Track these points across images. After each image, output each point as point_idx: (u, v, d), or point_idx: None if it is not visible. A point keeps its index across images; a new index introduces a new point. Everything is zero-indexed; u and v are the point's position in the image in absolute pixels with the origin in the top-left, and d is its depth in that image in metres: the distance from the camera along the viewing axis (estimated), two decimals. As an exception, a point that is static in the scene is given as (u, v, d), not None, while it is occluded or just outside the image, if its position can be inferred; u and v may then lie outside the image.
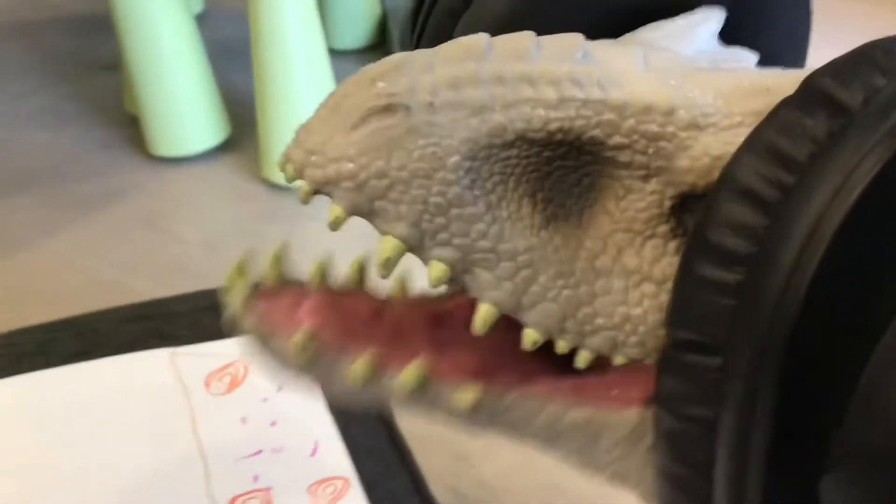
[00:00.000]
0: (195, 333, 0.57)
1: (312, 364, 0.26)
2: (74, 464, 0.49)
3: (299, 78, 1.19)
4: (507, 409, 0.26)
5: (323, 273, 0.28)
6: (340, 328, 0.26)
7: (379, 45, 1.56)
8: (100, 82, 1.50)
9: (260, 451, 0.49)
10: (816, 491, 0.22)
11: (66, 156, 1.33)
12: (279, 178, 1.24)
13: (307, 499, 0.47)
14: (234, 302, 0.26)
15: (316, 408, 0.52)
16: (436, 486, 0.55)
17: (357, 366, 0.25)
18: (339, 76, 1.29)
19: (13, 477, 0.49)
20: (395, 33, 1.50)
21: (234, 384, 0.53)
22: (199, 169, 1.29)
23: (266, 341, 0.26)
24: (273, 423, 0.51)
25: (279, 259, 0.28)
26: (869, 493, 0.20)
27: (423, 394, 0.26)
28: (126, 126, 1.38)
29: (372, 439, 0.52)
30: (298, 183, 0.26)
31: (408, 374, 0.26)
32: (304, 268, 0.66)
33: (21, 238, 1.17)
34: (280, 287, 0.27)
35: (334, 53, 1.31)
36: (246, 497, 0.47)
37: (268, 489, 0.47)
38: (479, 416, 0.26)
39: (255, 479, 0.48)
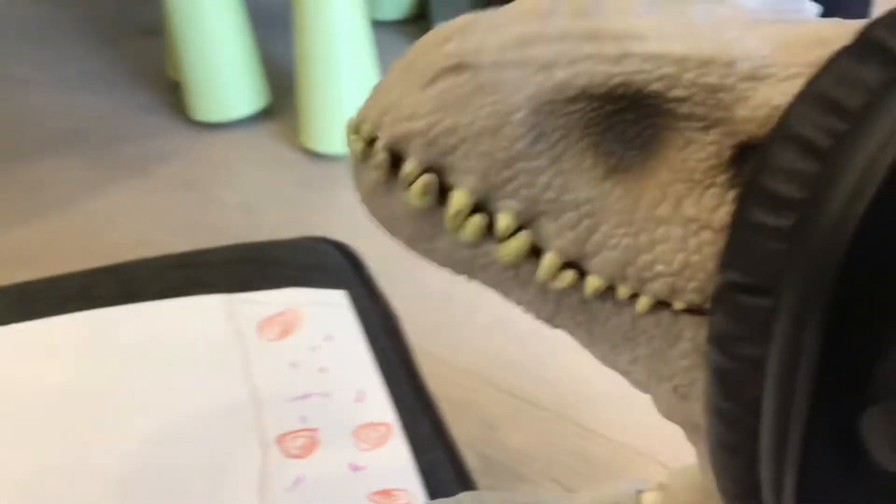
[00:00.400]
0: (232, 283, 0.59)
1: (427, 213, 0.27)
2: (128, 401, 0.51)
3: (340, 48, 1.20)
4: (596, 297, 0.27)
5: None
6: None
7: (419, 16, 1.57)
8: (143, 48, 1.53)
9: (308, 395, 0.51)
10: (858, 425, 0.22)
11: (110, 119, 1.36)
12: (317, 145, 1.25)
13: (352, 441, 0.49)
14: (357, 141, 0.27)
15: (362, 358, 0.54)
16: (464, 451, 0.56)
17: (471, 222, 0.26)
18: (380, 47, 1.30)
19: (68, 410, 0.51)
20: (435, 5, 1.51)
21: (285, 332, 0.55)
22: (239, 135, 1.31)
23: (389, 180, 0.27)
24: (322, 370, 0.53)
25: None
26: None
27: (520, 268, 0.27)
28: (168, 91, 1.40)
29: (400, 390, 0.54)
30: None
31: (514, 242, 0.26)
32: (338, 236, 0.67)
33: (66, 196, 1.20)
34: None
35: (375, 24, 1.32)
36: (293, 435, 0.49)
37: (315, 429, 0.49)
38: (568, 302, 0.27)
39: (303, 419, 0.49)
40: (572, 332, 0.29)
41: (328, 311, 0.57)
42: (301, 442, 0.48)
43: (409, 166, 0.26)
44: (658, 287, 0.26)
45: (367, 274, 0.65)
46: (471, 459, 0.61)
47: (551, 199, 0.26)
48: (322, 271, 0.62)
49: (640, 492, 0.42)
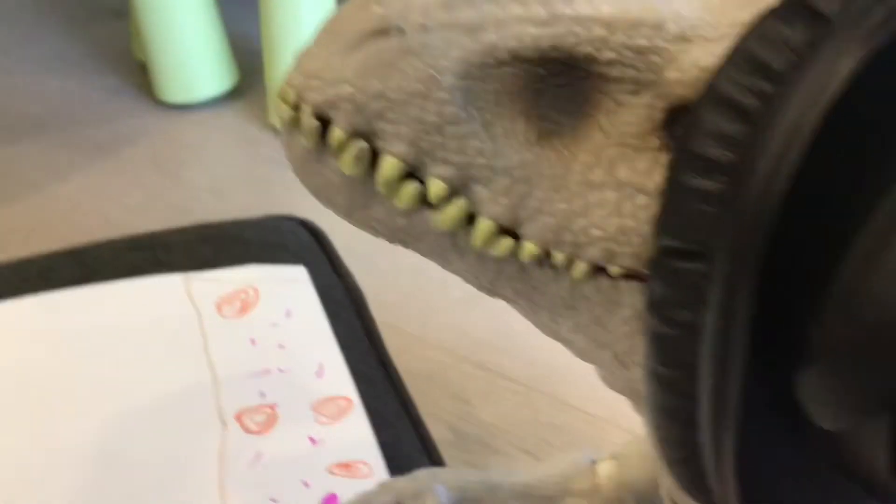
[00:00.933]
0: (193, 262, 0.59)
1: (360, 181, 0.26)
2: (87, 381, 0.51)
3: (306, 24, 1.19)
4: (535, 265, 0.27)
5: None
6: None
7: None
8: (108, 29, 1.51)
9: (268, 371, 0.51)
10: (793, 386, 0.22)
11: (76, 102, 1.34)
12: (286, 125, 1.25)
13: (311, 415, 0.49)
14: (288, 109, 0.27)
15: (322, 333, 0.54)
16: (435, 425, 0.56)
17: (406, 188, 0.26)
18: (347, 24, 1.30)
19: (28, 392, 0.51)
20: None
21: (244, 308, 0.55)
22: (207, 115, 1.30)
23: (319, 148, 0.26)
24: (281, 346, 0.53)
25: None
26: (839, 386, 0.21)
27: (457, 235, 0.27)
28: (134, 73, 1.39)
29: (363, 364, 0.54)
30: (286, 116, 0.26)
31: (450, 209, 0.26)
32: (309, 214, 0.67)
33: (33, 181, 1.19)
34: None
35: (341, 0, 1.31)
36: (253, 411, 0.49)
37: (273, 405, 0.49)
38: (507, 270, 0.27)
39: (262, 395, 0.50)
40: (513, 302, 0.29)
41: (287, 287, 0.57)
42: (260, 418, 0.48)
43: (336, 133, 0.25)
44: (594, 252, 0.26)
45: (332, 250, 0.65)
46: (443, 433, 0.61)
47: (483, 164, 0.25)
48: (284, 248, 0.62)
49: (594, 462, 0.43)
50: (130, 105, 1.33)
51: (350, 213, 0.27)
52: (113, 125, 1.29)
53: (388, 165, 0.26)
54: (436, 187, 0.26)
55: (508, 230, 0.26)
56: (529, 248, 0.26)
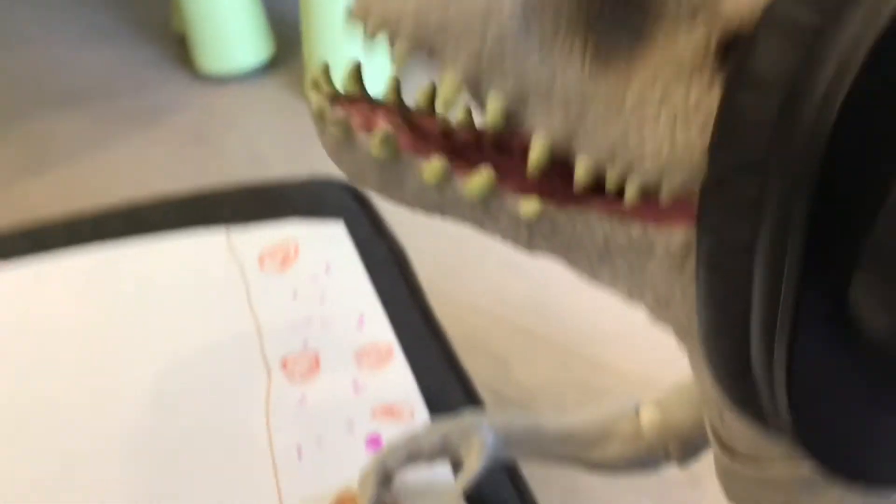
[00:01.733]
0: (238, 216, 0.60)
1: (390, 161, 0.28)
2: (138, 333, 0.52)
3: (342, -5, 1.20)
4: (567, 222, 0.28)
5: (396, 90, 0.30)
6: (412, 137, 0.28)
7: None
8: (148, 2, 1.52)
9: (310, 321, 0.52)
10: (847, 295, 0.23)
11: (117, 74, 1.36)
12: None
13: (353, 362, 0.50)
14: (318, 99, 0.28)
15: (362, 286, 0.55)
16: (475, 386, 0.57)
17: (431, 167, 0.27)
18: (382, -7, 1.30)
19: (83, 342, 0.52)
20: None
21: (285, 262, 0.56)
22: (245, 86, 1.32)
23: (349, 135, 0.28)
24: (322, 298, 0.53)
25: (357, 73, 0.29)
26: (890, 291, 0.22)
27: (488, 202, 0.28)
28: (174, 45, 1.40)
29: (406, 315, 0.55)
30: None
31: (477, 180, 0.27)
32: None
33: (74, 151, 1.21)
34: (357, 97, 0.29)
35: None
36: (296, 358, 0.50)
37: (316, 352, 0.50)
38: (540, 229, 0.28)
39: (305, 343, 0.50)
40: (551, 256, 0.29)
41: (326, 242, 0.58)
42: (304, 364, 0.49)
43: (400, 48, 0.26)
44: (647, 169, 0.26)
45: (372, 210, 0.66)
46: (481, 394, 0.61)
47: (541, 82, 0.26)
48: (325, 206, 0.62)
49: (637, 407, 0.43)
50: (170, 76, 1.35)
51: (384, 191, 0.29)
52: (153, 96, 1.31)
53: (449, 82, 0.26)
54: (494, 104, 0.26)
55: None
56: (583, 165, 0.26)
